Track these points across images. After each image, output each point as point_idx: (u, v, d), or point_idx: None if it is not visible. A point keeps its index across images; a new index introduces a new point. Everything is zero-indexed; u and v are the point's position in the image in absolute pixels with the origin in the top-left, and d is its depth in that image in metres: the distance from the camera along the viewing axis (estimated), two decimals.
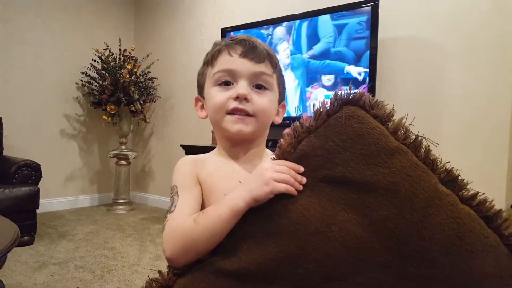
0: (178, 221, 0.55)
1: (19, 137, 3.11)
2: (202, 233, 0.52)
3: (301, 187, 0.51)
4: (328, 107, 0.53)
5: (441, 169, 0.50)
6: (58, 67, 3.35)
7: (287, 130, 0.56)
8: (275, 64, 0.66)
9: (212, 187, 0.62)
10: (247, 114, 0.62)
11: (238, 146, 0.67)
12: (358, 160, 0.49)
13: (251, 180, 0.52)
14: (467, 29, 1.99)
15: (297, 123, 0.55)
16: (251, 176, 0.54)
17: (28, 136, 3.18)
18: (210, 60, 0.67)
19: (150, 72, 3.46)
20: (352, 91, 0.53)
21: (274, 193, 0.50)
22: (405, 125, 0.52)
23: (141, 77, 3.40)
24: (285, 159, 0.54)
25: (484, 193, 0.51)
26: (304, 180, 0.51)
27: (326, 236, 0.48)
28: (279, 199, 0.50)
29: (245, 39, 0.64)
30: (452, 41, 2.05)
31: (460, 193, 0.51)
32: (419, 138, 0.51)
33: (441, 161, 0.51)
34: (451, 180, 0.50)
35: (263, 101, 0.63)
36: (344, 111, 0.52)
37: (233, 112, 0.62)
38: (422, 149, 0.51)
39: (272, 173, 0.51)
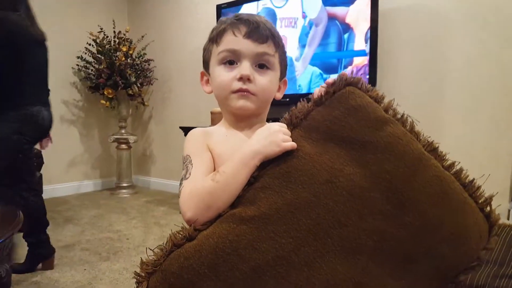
0: (196, 183, 0.59)
1: None
2: (223, 190, 0.57)
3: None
4: (334, 86, 0.62)
5: (424, 141, 0.60)
6: (53, 52, 3.23)
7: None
8: (277, 44, 0.69)
9: (222, 155, 0.66)
10: (249, 92, 0.67)
11: (242, 122, 0.71)
12: (360, 124, 0.59)
13: (261, 137, 0.59)
14: None
15: (305, 99, 0.64)
16: (260, 132, 0.60)
17: None
18: (215, 38, 0.69)
19: (146, 54, 3.41)
20: (352, 76, 0.62)
21: (282, 152, 0.57)
22: (392, 106, 0.62)
23: (137, 59, 3.35)
24: (293, 123, 0.61)
25: (461, 164, 0.60)
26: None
27: (335, 185, 0.56)
28: (294, 155, 0.58)
29: (249, 19, 0.67)
30: (456, 10, 2.00)
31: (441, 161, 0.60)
32: (405, 115, 0.62)
33: (423, 135, 0.61)
34: (433, 150, 0.60)
35: (264, 81, 0.67)
36: (347, 89, 0.61)
37: (237, 92, 0.67)
38: (408, 124, 0.61)
39: (283, 136, 0.58)
